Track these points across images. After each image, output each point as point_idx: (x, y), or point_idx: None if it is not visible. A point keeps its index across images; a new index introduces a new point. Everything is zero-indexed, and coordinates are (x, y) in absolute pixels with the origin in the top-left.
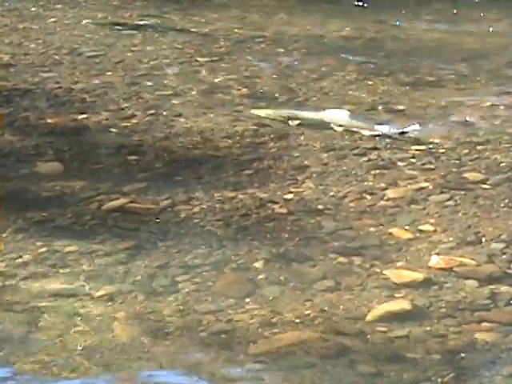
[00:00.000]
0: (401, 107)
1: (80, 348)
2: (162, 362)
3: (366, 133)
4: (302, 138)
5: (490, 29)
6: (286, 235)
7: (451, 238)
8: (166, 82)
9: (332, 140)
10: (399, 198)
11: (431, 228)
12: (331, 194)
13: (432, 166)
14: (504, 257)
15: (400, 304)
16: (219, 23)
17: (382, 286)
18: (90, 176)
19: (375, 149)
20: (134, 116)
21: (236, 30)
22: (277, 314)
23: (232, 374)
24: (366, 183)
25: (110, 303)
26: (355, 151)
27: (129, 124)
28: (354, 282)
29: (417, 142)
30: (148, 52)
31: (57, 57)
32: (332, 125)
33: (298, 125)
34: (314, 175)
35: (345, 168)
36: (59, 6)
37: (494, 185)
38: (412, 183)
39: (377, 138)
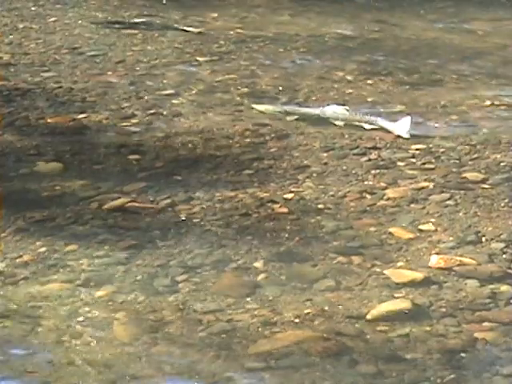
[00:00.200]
0: (401, 107)
1: (80, 348)
2: (162, 362)
3: (367, 126)
4: (301, 137)
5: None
6: (286, 235)
7: (451, 238)
8: (166, 81)
9: (332, 139)
10: (399, 198)
11: (431, 227)
12: (331, 193)
13: (432, 166)
14: (504, 256)
15: (400, 303)
16: (219, 23)
17: (382, 286)
18: (90, 175)
19: (375, 148)
20: (134, 115)
21: (236, 30)
22: (277, 313)
23: (232, 373)
24: (366, 183)
25: (110, 303)
26: (355, 151)
27: (129, 124)
28: (354, 281)
29: (417, 141)
30: (148, 52)
31: (57, 56)
32: (332, 120)
33: (297, 119)
34: (314, 175)
35: (345, 167)
36: (59, 5)
37: (494, 184)
38: (412, 183)
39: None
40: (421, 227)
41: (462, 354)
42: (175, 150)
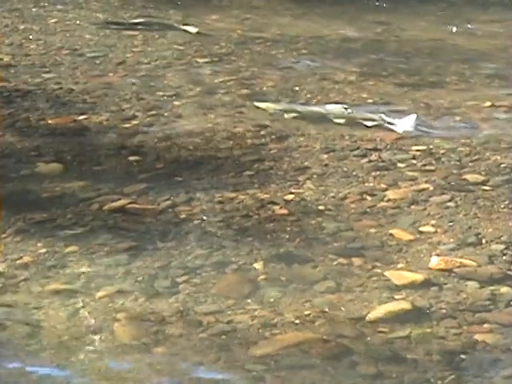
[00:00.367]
0: (402, 108)
1: (81, 349)
2: (162, 363)
3: (368, 123)
4: (302, 138)
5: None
6: (287, 236)
7: (452, 239)
8: (166, 82)
9: (332, 141)
10: (400, 199)
11: (432, 229)
12: (331, 194)
13: (432, 167)
14: (504, 258)
15: (400, 305)
16: (220, 24)
17: (383, 287)
18: (90, 177)
19: (376, 149)
20: (134, 117)
21: (237, 31)
22: (277, 315)
23: (232, 375)
24: (366, 184)
25: (110, 304)
26: (356, 152)
27: (129, 125)
28: (355, 283)
29: (417, 142)
30: (149, 53)
31: (57, 57)
32: (332, 117)
33: (297, 117)
34: (315, 176)
35: (345, 169)
36: (60, 6)
37: (494, 186)
38: (412, 184)
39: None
40: (421, 229)
41: (462, 356)
42: (176, 151)
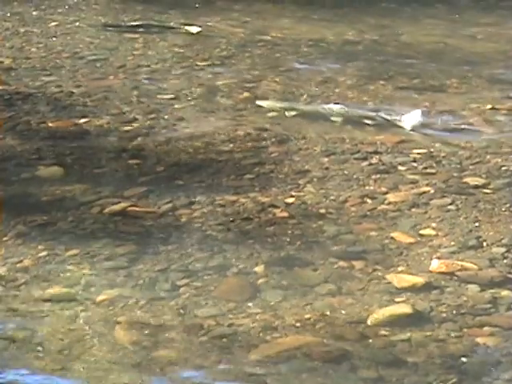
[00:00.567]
0: (402, 111)
1: (81, 352)
2: (163, 367)
3: (367, 121)
4: (302, 142)
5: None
6: (287, 239)
7: (452, 243)
8: (167, 85)
9: (333, 144)
10: (400, 202)
11: (432, 232)
12: (332, 198)
13: (433, 171)
14: (505, 261)
15: (401, 308)
16: (221, 27)
17: (383, 291)
18: (91, 180)
19: (376, 153)
20: (135, 120)
21: (237, 34)
22: (278, 318)
23: (233, 378)
24: (367, 187)
25: (111, 307)
26: (356, 155)
27: (130, 128)
28: (355, 286)
29: (418, 145)
30: (149, 56)
31: (58, 61)
32: (330, 116)
33: (296, 115)
34: (315, 179)
35: (346, 172)
36: (60, 10)
37: (494, 189)
38: (413, 187)
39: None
40: (422, 232)
41: (463, 359)
42: (176, 154)
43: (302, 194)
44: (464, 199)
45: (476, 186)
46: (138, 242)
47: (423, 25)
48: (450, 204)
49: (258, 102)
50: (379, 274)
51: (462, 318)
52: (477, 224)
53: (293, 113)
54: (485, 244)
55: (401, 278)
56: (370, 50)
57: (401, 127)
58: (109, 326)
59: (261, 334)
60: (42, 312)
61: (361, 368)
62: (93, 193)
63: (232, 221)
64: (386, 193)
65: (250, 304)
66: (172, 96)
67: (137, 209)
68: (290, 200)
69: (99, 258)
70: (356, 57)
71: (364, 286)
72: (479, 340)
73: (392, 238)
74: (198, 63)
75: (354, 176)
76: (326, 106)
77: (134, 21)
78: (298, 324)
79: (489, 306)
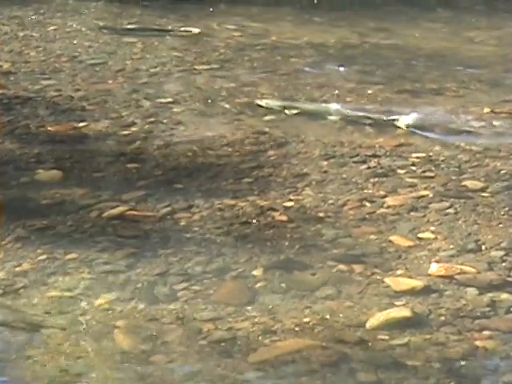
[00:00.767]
0: (400, 113)
1: (80, 356)
2: (162, 371)
3: (365, 121)
4: (301, 145)
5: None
6: (286, 243)
7: (451, 246)
8: (165, 89)
9: (332, 147)
10: (399, 206)
11: (431, 236)
12: (331, 201)
13: (432, 174)
14: (504, 264)
15: (400, 312)
16: (219, 31)
17: (382, 294)
18: (90, 184)
19: (375, 156)
20: (133, 124)
21: (236, 38)
22: (277, 321)
23: (232, 382)
24: (365, 191)
25: (109, 311)
26: (355, 159)
27: (129, 132)
28: (354, 289)
29: (416, 149)
30: (148, 60)
31: (57, 65)
32: (329, 115)
33: (294, 118)
34: (314, 183)
35: (344, 176)
36: (59, 14)
37: (493, 192)
38: (412, 191)
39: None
40: (421, 235)
41: (462, 363)
42: (175, 158)
43: (300, 197)
44: (463, 203)
45: (475, 190)
46: (137, 245)
47: (423, 28)
48: (449, 207)
49: (257, 102)
50: (378, 277)
51: (460, 322)
52: (475, 227)
53: (294, 111)
54: (483, 247)
55: (400, 282)
56: (369, 53)
57: (398, 127)
58: (107, 330)
59: (260, 338)
60: (40, 316)
61: (360, 371)
62: (92, 196)
63: (231, 224)
64: (385, 196)
65: (248, 308)
66: (171, 100)
67: (135, 213)
68: (289, 203)
69: (98, 262)
70: (355, 60)
71: (363, 289)
72: (478, 343)
73: (391, 241)
74: (197, 67)
75: (353, 179)
76: (324, 105)
77: (131, 24)
78: (296, 328)
79: (488, 309)
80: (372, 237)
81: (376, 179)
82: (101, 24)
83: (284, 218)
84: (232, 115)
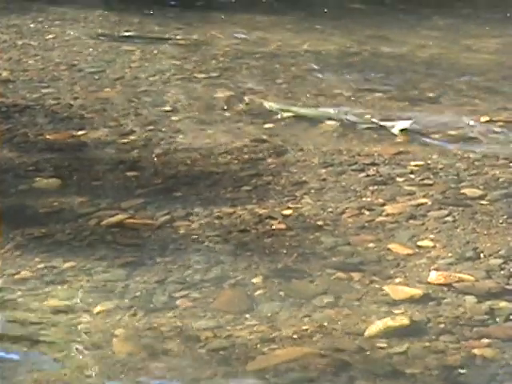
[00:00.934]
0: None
1: (79, 364)
2: (160, 379)
3: (361, 126)
4: (300, 153)
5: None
6: (285, 251)
7: (450, 254)
8: (164, 98)
9: (330, 156)
10: (398, 214)
11: (430, 244)
12: (330, 209)
13: (430, 182)
14: (502, 272)
15: (399, 320)
16: (218, 39)
17: (381, 302)
18: (88, 192)
19: (374, 164)
20: (132, 132)
21: (235, 46)
22: (275, 329)
23: None
24: (364, 199)
25: (108, 319)
26: (354, 167)
27: (127, 140)
28: (353, 297)
29: (415, 157)
30: (147, 68)
31: (56, 73)
32: (324, 118)
33: (292, 125)
34: (313, 191)
35: (343, 184)
36: (58, 22)
37: (492, 200)
38: (410, 199)
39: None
40: (419, 243)
41: (461, 371)
42: (174, 166)
43: (299, 205)
44: (461, 211)
45: (473, 198)
46: (136, 253)
47: (421, 36)
48: (448, 215)
49: (264, 103)
50: (377, 285)
51: (459, 330)
52: (474, 235)
53: (290, 114)
54: (482, 255)
55: (398, 290)
56: (367, 61)
57: (394, 134)
58: (106, 338)
59: (258, 346)
60: (39, 324)
61: (359, 379)
62: (90, 205)
63: (229, 232)
64: (384, 204)
65: (247, 316)
66: (169, 108)
67: (134, 221)
68: (288, 212)
69: (97, 270)
70: (353, 68)
71: (362, 297)
72: (476, 351)
73: (389, 249)
74: (196, 75)
75: (352, 187)
76: (323, 110)
77: (129, 32)
78: (295, 336)
79: (486, 317)
80: (371, 245)
81: (375, 187)
82: (99, 31)
83: (283, 226)
84: (231, 123)
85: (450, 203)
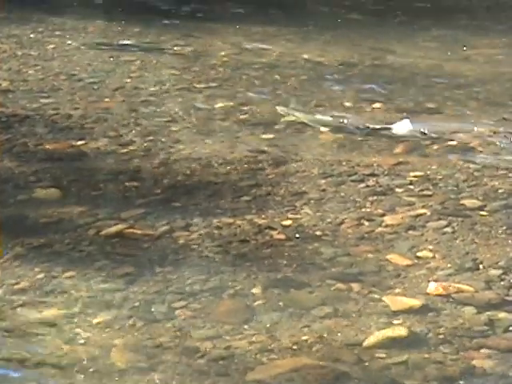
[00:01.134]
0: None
1: (78, 375)
2: None
3: (356, 131)
4: (299, 164)
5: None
6: (284, 261)
7: (449, 265)
8: (164, 108)
9: (330, 166)
10: (397, 225)
11: (429, 254)
12: (329, 220)
13: (430, 193)
14: (502, 283)
15: (398, 330)
16: (218, 49)
17: (380, 313)
18: (88, 202)
19: (373, 175)
20: (132, 142)
21: (234, 57)
22: (275, 340)
23: None
24: (363, 209)
25: (107, 330)
26: (353, 177)
27: (127, 150)
28: (352, 308)
29: (414, 167)
30: (146, 78)
31: (55, 83)
32: (319, 124)
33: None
34: (312, 201)
35: (342, 194)
36: (58, 32)
37: (491, 211)
38: (410, 209)
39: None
40: (418, 254)
41: (460, 382)
42: (173, 176)
43: (298, 216)
44: (460, 221)
45: (473, 208)
46: (135, 263)
47: (420, 47)
48: (447, 226)
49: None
50: (376, 296)
51: (458, 341)
52: (473, 246)
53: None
54: (481, 266)
55: (397, 300)
56: (367, 72)
57: (391, 137)
58: (105, 348)
59: (257, 356)
60: (38, 334)
61: None
62: (90, 215)
63: (229, 243)
64: (383, 215)
65: (246, 326)
66: (169, 118)
67: (134, 231)
68: (287, 222)
69: (96, 280)
70: (353, 79)
71: (361, 308)
72: (476, 362)
73: (389, 260)
74: (196, 85)
75: (351, 198)
76: (320, 117)
77: (125, 40)
78: (294, 346)
79: (485, 328)
80: (370, 255)
81: (374, 198)
82: (99, 41)
83: (282, 236)
84: (230, 133)
85: (449, 214)
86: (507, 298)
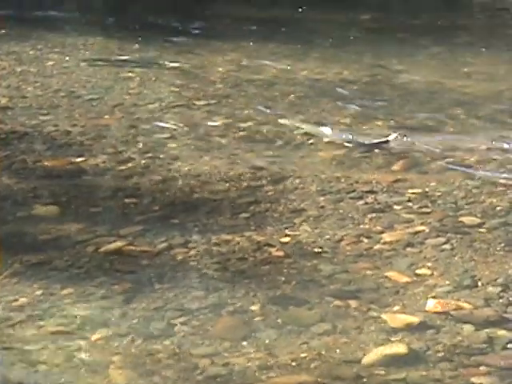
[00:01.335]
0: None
1: None
2: None
3: (349, 145)
4: (298, 181)
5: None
6: (283, 278)
7: (448, 282)
8: (162, 125)
9: (328, 183)
10: (396, 242)
11: (428, 272)
12: (327, 237)
13: (428, 210)
14: (501, 300)
15: (397, 348)
16: (216, 66)
17: (379, 330)
18: (86, 219)
19: (372, 192)
20: (131, 159)
21: (233, 74)
22: (273, 357)
23: None
24: (362, 226)
25: (106, 346)
26: (351, 194)
27: (126, 167)
28: (351, 325)
29: (413, 185)
30: (145, 95)
31: (54, 100)
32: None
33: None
34: (311, 218)
35: (341, 211)
36: (57, 49)
37: (490, 229)
38: (408, 227)
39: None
40: (417, 271)
41: None
42: (172, 193)
43: (297, 232)
44: (459, 238)
45: (471, 226)
46: (134, 280)
47: (419, 65)
48: (446, 243)
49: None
50: (375, 313)
51: (457, 358)
52: (472, 263)
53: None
54: (480, 283)
55: (396, 318)
56: (366, 89)
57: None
58: (104, 365)
59: (256, 374)
60: (37, 351)
61: None
62: (88, 232)
63: (227, 260)
64: (382, 232)
65: (245, 343)
66: (168, 135)
67: (132, 248)
68: (286, 239)
69: (95, 297)
70: (352, 96)
71: (359, 325)
72: (474, 380)
73: (387, 277)
74: (195, 102)
75: (350, 215)
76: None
77: (124, 56)
78: (293, 363)
79: (484, 345)
80: (369, 272)
81: (373, 215)
82: (98, 58)
83: (281, 253)
84: (229, 150)
85: (447, 231)
86: (506, 315)
